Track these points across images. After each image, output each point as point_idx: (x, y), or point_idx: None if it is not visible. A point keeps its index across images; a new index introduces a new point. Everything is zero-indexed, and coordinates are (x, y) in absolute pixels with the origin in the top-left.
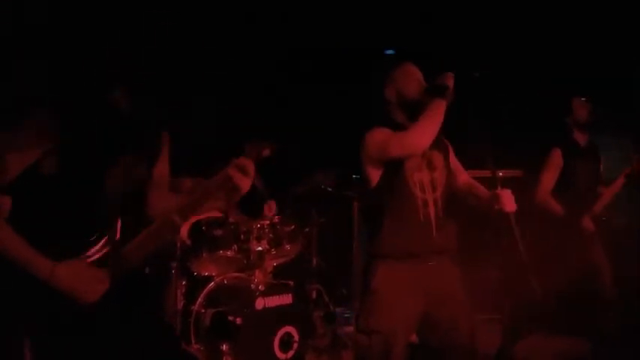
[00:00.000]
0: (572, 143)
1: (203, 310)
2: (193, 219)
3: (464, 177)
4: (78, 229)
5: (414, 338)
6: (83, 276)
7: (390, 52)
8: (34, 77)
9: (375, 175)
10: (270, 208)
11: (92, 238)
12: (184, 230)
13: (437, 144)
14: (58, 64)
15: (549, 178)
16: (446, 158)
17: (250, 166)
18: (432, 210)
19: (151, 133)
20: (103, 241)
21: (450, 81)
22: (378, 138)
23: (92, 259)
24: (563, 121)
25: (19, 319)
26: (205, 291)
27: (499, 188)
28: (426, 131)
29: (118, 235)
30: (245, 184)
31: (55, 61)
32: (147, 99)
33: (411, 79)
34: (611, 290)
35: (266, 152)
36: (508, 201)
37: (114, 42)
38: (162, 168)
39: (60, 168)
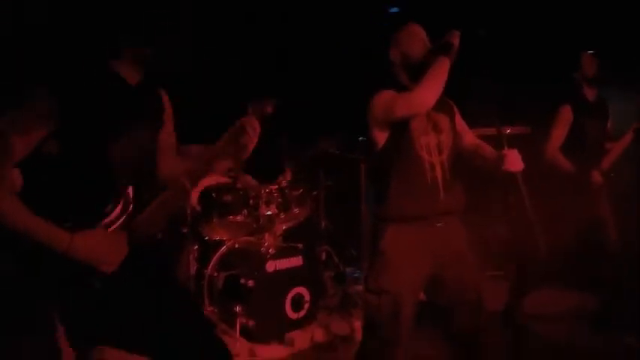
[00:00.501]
0: (582, 99)
1: (216, 274)
2: (202, 185)
3: (470, 137)
4: (89, 202)
5: (422, 296)
6: (102, 244)
7: (394, 10)
8: (34, 55)
9: (381, 137)
10: (285, 177)
11: (106, 209)
12: (194, 197)
13: (442, 106)
14: (56, 38)
15: (559, 134)
16: (452, 120)
17: (256, 125)
18: (438, 173)
19: (153, 100)
20: (117, 211)
21: (455, 39)
22: (384, 99)
23: (109, 228)
24: (571, 76)
25: (45, 291)
26: (217, 255)
27: (505, 147)
28: (431, 89)
29: (132, 204)
30: (252, 143)
31: (53, 36)
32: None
33: (416, 39)
34: (616, 245)
35: (269, 109)
36: (515, 160)
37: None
38: (167, 132)
39: (65, 144)
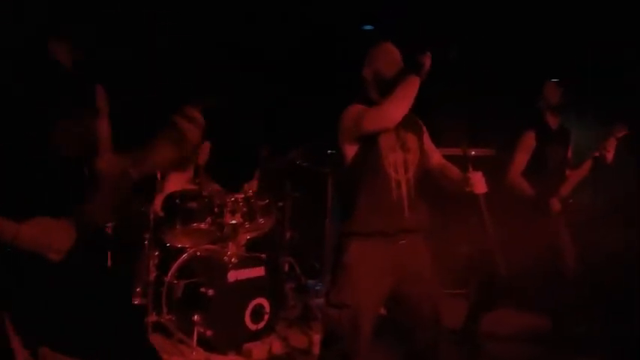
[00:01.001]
0: (545, 126)
1: (175, 281)
2: (167, 191)
3: (437, 157)
4: (31, 193)
5: (382, 311)
6: (49, 231)
7: (368, 27)
8: None
9: (350, 152)
10: (251, 186)
11: (48, 202)
12: (158, 202)
13: (411, 125)
14: None
15: (521, 159)
16: (419, 140)
17: (197, 114)
18: (404, 190)
19: (89, 89)
20: (59, 203)
21: (426, 60)
22: (353, 113)
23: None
24: (535, 103)
25: None
26: (178, 262)
27: (470, 169)
28: (399, 104)
29: (77, 194)
30: (193, 132)
31: None
32: (87, 53)
33: (389, 58)
34: (572, 270)
35: (212, 101)
36: (479, 183)
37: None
38: (103, 125)
39: (8, 134)
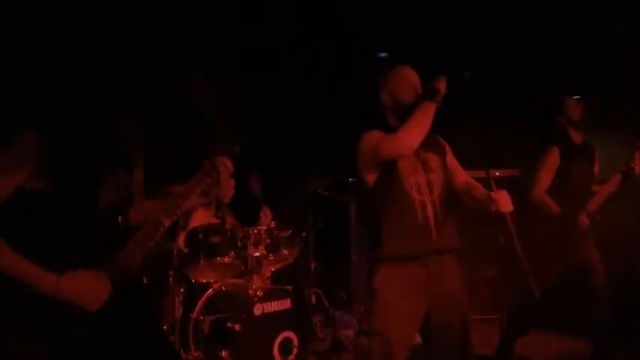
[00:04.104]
0: (568, 142)
1: (202, 317)
2: (190, 226)
3: (462, 176)
4: (75, 243)
5: (418, 340)
6: (86, 284)
7: (382, 54)
8: (18, 95)
9: (370, 178)
10: (266, 215)
11: (90, 252)
12: (181, 238)
13: (433, 145)
14: (40, 81)
15: (546, 176)
16: (442, 159)
17: (228, 162)
18: (430, 211)
19: (130, 144)
20: (99, 254)
21: (441, 85)
22: (371, 141)
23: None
24: (556, 120)
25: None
26: (204, 298)
27: (494, 188)
28: (414, 132)
29: (112, 244)
30: (226, 181)
31: (37, 78)
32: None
33: (406, 84)
34: (604, 288)
35: (237, 149)
36: (504, 202)
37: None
38: (139, 176)
39: (52, 185)
